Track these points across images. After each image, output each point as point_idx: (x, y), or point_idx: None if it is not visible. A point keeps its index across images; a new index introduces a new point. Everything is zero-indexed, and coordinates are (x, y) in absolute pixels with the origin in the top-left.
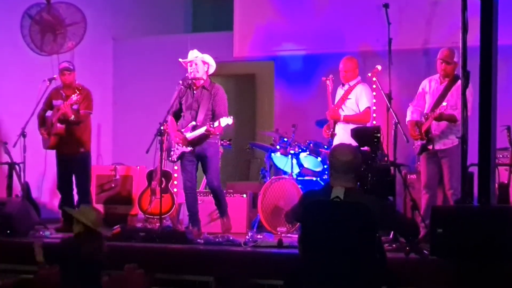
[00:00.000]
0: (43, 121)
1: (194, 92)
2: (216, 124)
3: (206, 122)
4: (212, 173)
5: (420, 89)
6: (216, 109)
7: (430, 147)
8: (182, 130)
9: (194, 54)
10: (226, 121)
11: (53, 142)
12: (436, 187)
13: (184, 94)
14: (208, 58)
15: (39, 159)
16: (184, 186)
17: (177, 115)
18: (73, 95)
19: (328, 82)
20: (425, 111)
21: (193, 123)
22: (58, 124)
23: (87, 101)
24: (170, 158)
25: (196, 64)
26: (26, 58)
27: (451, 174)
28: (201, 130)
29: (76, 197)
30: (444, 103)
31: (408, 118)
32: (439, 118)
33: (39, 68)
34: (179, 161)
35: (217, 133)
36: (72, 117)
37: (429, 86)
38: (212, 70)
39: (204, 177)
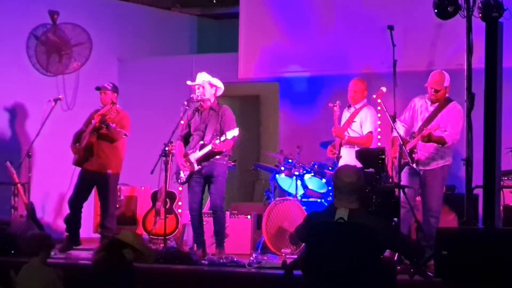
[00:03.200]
0: (77, 140)
1: (202, 114)
2: (222, 138)
3: (213, 140)
4: (216, 193)
5: (409, 105)
6: (224, 128)
7: (414, 165)
8: (190, 151)
9: (201, 78)
10: (232, 133)
11: (82, 158)
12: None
13: (192, 117)
14: (215, 81)
15: (44, 179)
16: (190, 207)
17: (186, 140)
18: (107, 107)
19: (335, 108)
20: (412, 130)
21: (201, 142)
22: (88, 137)
23: (124, 122)
24: (179, 181)
25: (203, 87)
26: (31, 78)
27: (432, 195)
28: (208, 148)
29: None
30: (437, 127)
31: (394, 134)
32: (427, 138)
33: (44, 89)
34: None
35: (224, 149)
36: (105, 121)
37: (419, 104)
38: (220, 92)
39: (209, 198)
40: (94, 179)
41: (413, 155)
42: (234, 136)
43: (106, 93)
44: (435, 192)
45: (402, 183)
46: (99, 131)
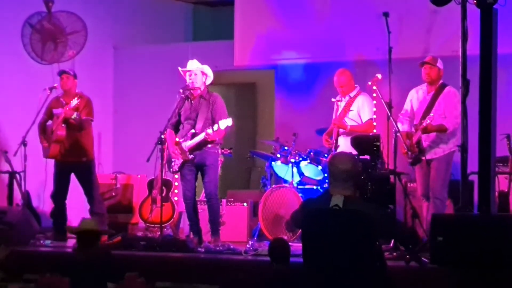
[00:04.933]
0: (43, 130)
1: (192, 102)
2: (215, 127)
3: (205, 129)
4: (210, 181)
5: (408, 99)
6: (215, 116)
7: (423, 158)
8: (181, 140)
9: (193, 65)
10: (225, 123)
11: (54, 151)
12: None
13: (182, 105)
14: (207, 69)
15: (39, 168)
16: (183, 196)
17: (176, 127)
18: (73, 100)
19: (339, 103)
20: (414, 122)
21: (192, 131)
22: (58, 131)
23: (88, 108)
24: (171, 169)
25: (195, 74)
26: (26, 67)
27: (436, 179)
28: (201, 137)
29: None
30: (431, 114)
31: (400, 129)
32: (425, 131)
33: (39, 77)
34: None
35: (216, 138)
36: (74, 115)
37: (416, 96)
38: (209, 81)
39: (203, 186)
40: (71, 169)
41: (421, 147)
42: (227, 126)
43: (69, 78)
44: (440, 176)
45: (417, 178)
46: (67, 121)
